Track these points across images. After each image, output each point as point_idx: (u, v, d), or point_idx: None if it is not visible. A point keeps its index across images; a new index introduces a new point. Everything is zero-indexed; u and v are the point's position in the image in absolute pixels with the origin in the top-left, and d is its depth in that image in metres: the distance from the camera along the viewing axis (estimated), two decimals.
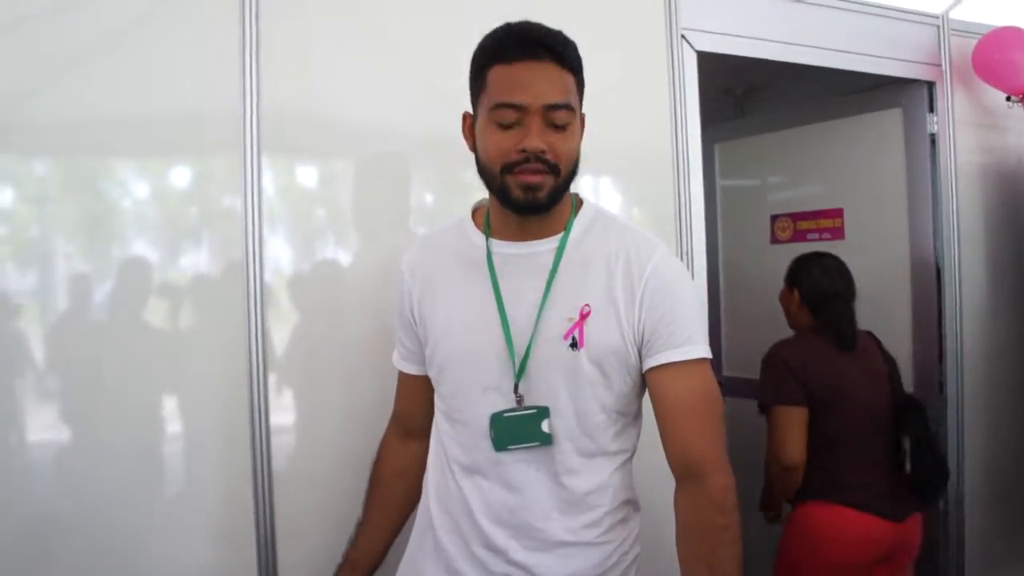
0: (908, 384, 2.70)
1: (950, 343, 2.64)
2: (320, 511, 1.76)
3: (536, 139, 1.24)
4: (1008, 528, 2.74)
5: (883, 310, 2.81)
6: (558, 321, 1.31)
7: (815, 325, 2.39)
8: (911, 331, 2.74)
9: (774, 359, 2.31)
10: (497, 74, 1.26)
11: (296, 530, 1.74)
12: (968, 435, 2.65)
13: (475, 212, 1.43)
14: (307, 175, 1.83)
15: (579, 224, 1.37)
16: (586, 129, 1.33)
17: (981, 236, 2.73)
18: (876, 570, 2.22)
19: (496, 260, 1.36)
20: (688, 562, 1.29)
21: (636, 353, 1.33)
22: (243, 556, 1.70)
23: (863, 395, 2.29)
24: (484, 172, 1.31)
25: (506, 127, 1.25)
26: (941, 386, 2.66)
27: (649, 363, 1.32)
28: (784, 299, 2.48)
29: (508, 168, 1.26)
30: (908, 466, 2.31)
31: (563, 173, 1.28)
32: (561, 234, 1.35)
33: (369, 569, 1.56)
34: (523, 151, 1.24)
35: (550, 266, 1.33)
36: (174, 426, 1.69)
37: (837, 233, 2.99)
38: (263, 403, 1.71)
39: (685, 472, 1.31)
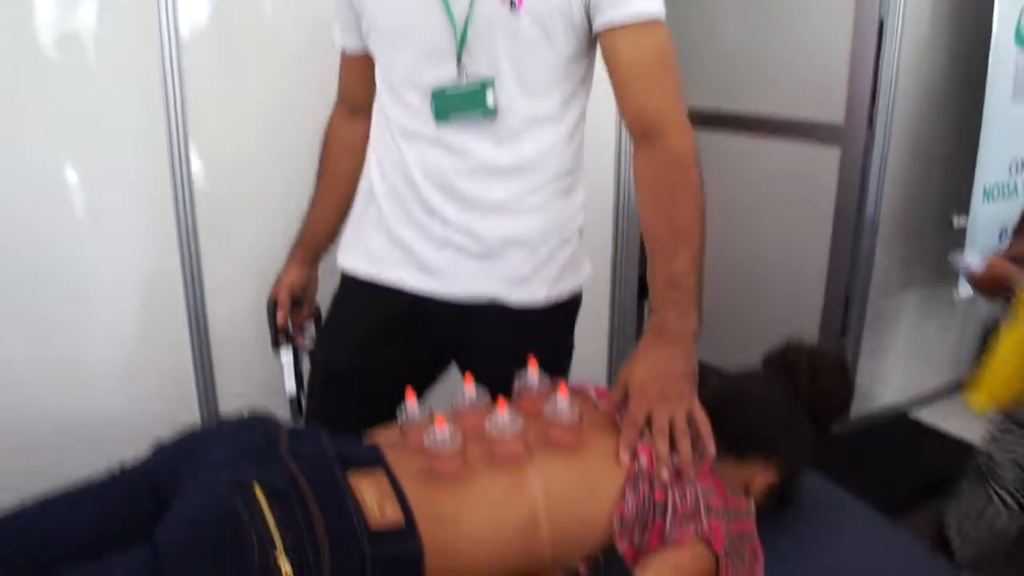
0: (839, 118, 2.77)
1: (884, 81, 2.65)
2: (242, 204, 1.83)
3: None
4: (909, 259, 2.93)
5: (822, 49, 2.80)
6: None
7: None
8: (847, 70, 2.73)
9: None
10: None
11: (219, 227, 1.84)
12: (891, 167, 2.75)
13: None
14: None
15: None
16: None
17: None
18: None
19: None
20: (649, 222, 1.25)
21: (584, 14, 1.23)
22: (166, 253, 1.82)
23: None
24: None
25: None
26: (871, 120, 2.71)
27: (598, 25, 1.23)
28: None
29: None
30: None
31: None
32: None
33: (321, 246, 1.59)
34: None
35: None
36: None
37: None
38: (177, 85, 1.74)
39: (642, 133, 1.25)
